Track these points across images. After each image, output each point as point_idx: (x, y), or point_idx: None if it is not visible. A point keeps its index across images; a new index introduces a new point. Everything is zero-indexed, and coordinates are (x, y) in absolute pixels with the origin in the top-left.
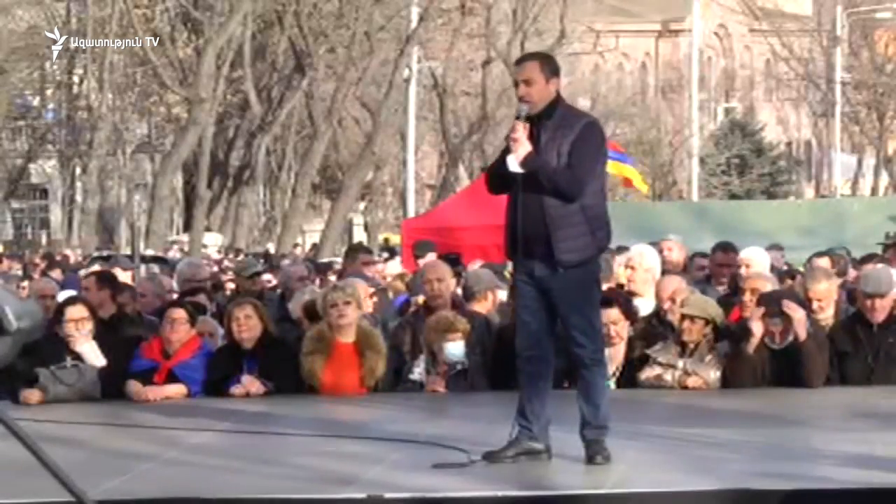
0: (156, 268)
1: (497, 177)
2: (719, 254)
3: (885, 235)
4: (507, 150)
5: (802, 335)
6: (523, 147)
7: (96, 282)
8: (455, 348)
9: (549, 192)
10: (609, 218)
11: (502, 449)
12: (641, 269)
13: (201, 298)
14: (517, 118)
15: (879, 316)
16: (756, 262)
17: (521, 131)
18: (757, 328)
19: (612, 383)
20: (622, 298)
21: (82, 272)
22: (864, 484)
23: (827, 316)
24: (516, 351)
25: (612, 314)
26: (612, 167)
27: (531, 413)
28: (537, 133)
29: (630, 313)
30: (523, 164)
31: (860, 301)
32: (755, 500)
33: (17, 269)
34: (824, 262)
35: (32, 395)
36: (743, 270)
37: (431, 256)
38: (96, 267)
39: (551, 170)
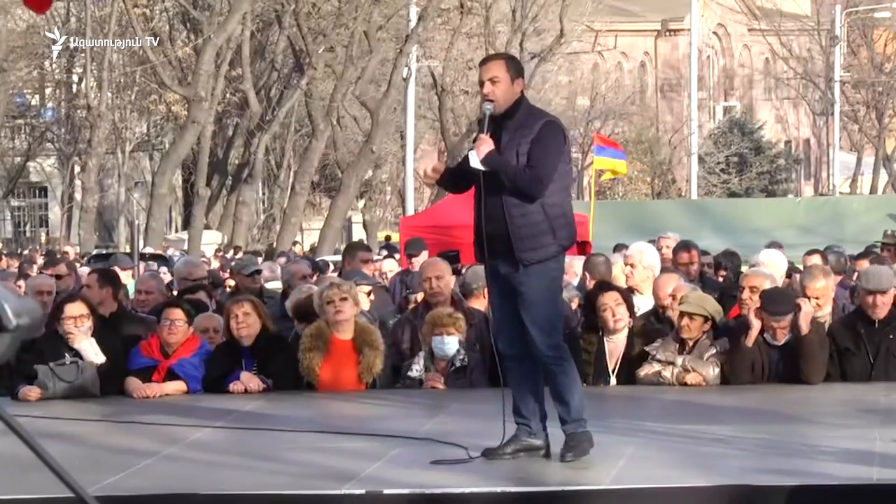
0: (156, 266)
1: (456, 175)
2: (682, 253)
3: (883, 234)
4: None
5: (805, 329)
6: (486, 145)
7: (98, 279)
8: (445, 343)
9: (510, 190)
10: (572, 217)
11: (501, 446)
12: (641, 267)
13: (201, 296)
14: (481, 116)
15: (881, 313)
16: (773, 266)
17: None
18: (755, 322)
19: (612, 379)
20: (620, 288)
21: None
22: (864, 480)
23: (825, 313)
24: (499, 352)
25: (613, 296)
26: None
27: (526, 410)
28: (499, 132)
29: (629, 304)
30: (484, 161)
31: (861, 298)
32: (754, 496)
33: (15, 268)
34: (816, 260)
35: (31, 391)
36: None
37: (425, 254)
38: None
39: (512, 168)
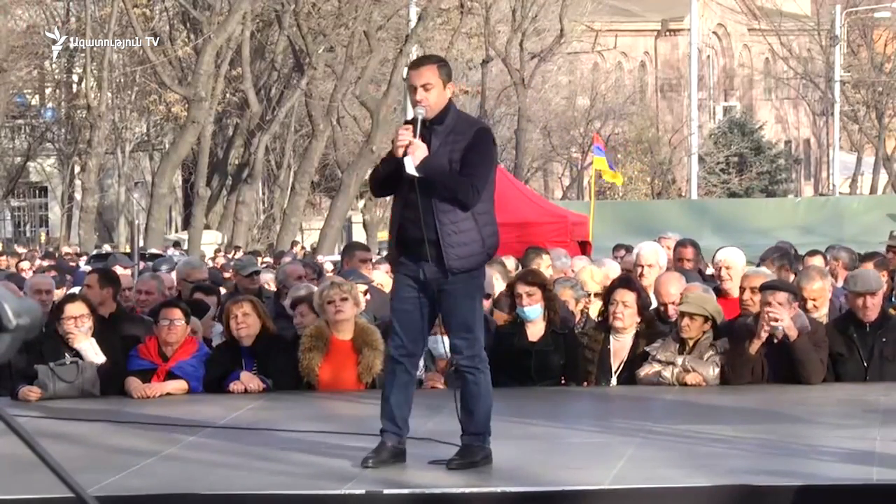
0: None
1: (383, 179)
2: (682, 249)
3: (890, 235)
4: (391, 153)
5: (793, 335)
6: (421, 150)
7: (98, 279)
8: (443, 343)
9: (444, 197)
10: (496, 225)
11: (375, 452)
12: (657, 267)
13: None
14: (411, 121)
15: (871, 314)
16: (734, 264)
17: (409, 133)
18: (763, 333)
19: (614, 379)
20: (641, 290)
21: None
22: (864, 480)
23: (821, 315)
24: (388, 353)
25: (628, 296)
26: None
27: (401, 420)
28: (429, 138)
29: (641, 307)
30: (420, 167)
31: (851, 301)
32: (754, 496)
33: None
34: (817, 261)
35: (31, 391)
36: (724, 273)
37: None
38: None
39: (448, 175)
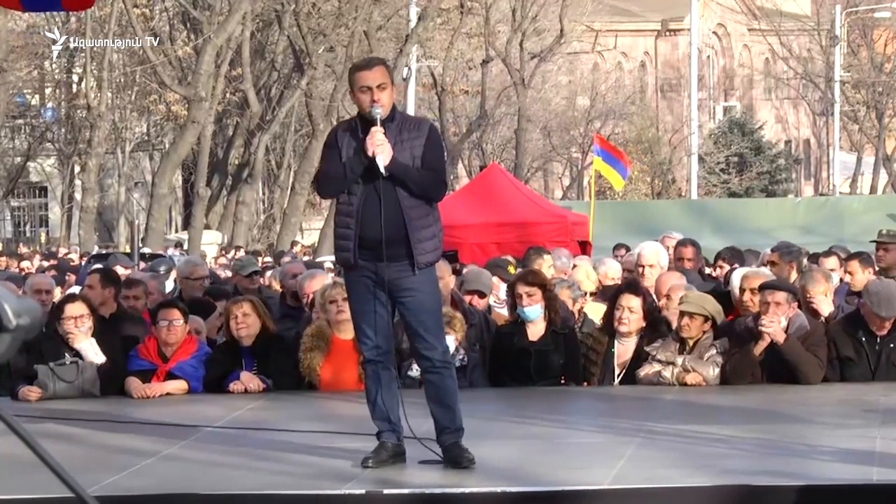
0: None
1: (345, 179)
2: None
3: (878, 233)
4: (337, 155)
5: (780, 340)
6: (389, 149)
7: (100, 280)
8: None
9: (412, 193)
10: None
11: (375, 452)
12: (659, 267)
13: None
14: (366, 122)
15: (885, 331)
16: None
17: (381, 134)
18: (766, 337)
19: (616, 383)
20: (646, 294)
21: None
22: (864, 480)
23: (823, 313)
24: (364, 356)
25: (634, 301)
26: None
27: (394, 416)
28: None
29: (647, 310)
30: (390, 166)
31: (868, 315)
32: (755, 496)
33: (15, 268)
34: (832, 263)
35: (31, 391)
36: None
37: None
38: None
39: (415, 171)
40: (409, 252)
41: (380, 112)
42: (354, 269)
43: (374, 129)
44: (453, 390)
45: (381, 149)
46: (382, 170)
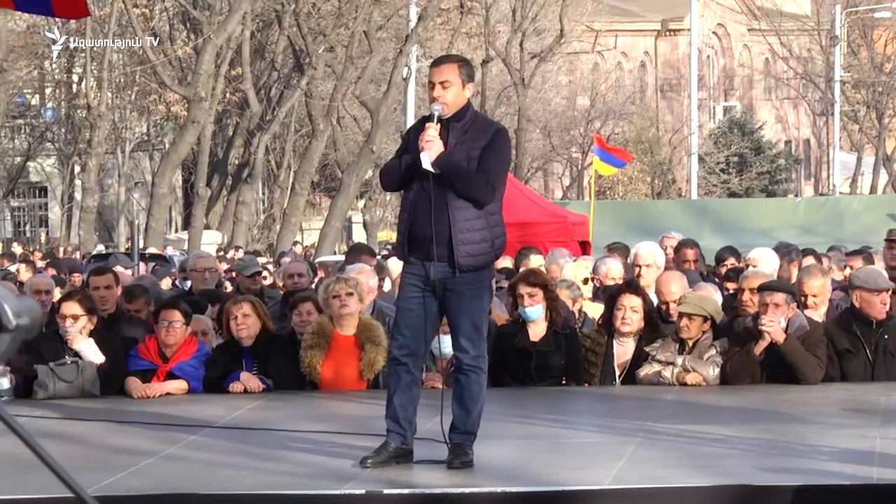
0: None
1: (398, 174)
2: (686, 250)
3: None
4: (403, 150)
5: (780, 339)
6: (437, 146)
7: (113, 279)
8: (444, 343)
9: (459, 194)
10: (505, 227)
11: (377, 452)
12: (655, 267)
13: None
14: (428, 118)
15: (881, 312)
16: (762, 263)
17: (434, 131)
18: (766, 336)
19: (617, 383)
20: (646, 296)
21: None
22: (864, 480)
23: (820, 313)
24: (391, 353)
25: (634, 301)
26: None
27: (405, 420)
28: (446, 135)
29: (647, 311)
30: (437, 163)
31: (860, 298)
32: (755, 496)
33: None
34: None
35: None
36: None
37: None
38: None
39: (465, 172)
40: (451, 253)
41: (438, 109)
42: (407, 263)
43: (428, 124)
44: (476, 394)
45: (429, 145)
46: (427, 166)
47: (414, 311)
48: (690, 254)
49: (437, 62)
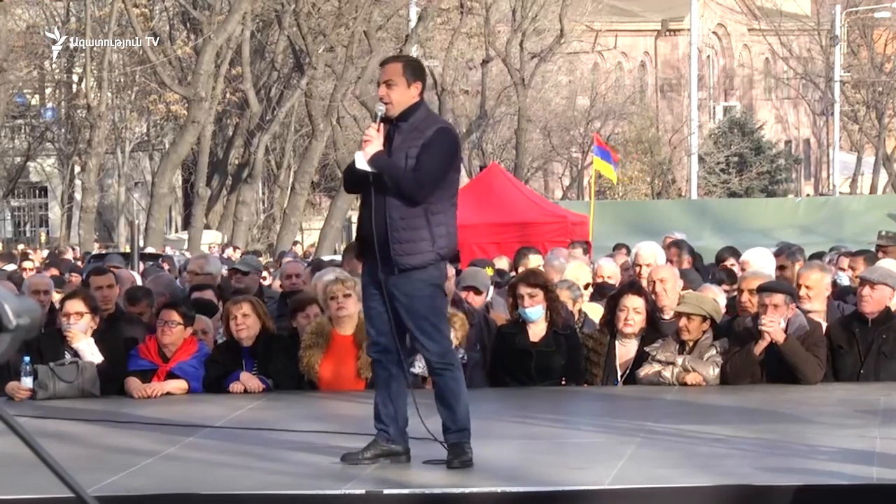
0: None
1: (350, 175)
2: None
3: (878, 234)
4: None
5: (779, 339)
6: (373, 146)
7: (109, 279)
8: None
9: (394, 193)
10: (454, 227)
11: (361, 451)
12: (645, 266)
13: (209, 294)
14: (374, 118)
15: (868, 307)
16: (756, 264)
17: (374, 130)
18: (766, 336)
19: (619, 383)
20: (647, 296)
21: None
22: (864, 480)
23: (815, 308)
24: (368, 354)
25: (637, 302)
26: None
27: (386, 416)
28: (392, 135)
29: (649, 311)
30: (371, 162)
31: (858, 291)
32: (755, 495)
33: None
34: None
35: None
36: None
37: None
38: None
39: (397, 170)
40: (388, 253)
41: (382, 109)
42: (363, 264)
43: (370, 124)
44: (454, 391)
45: (366, 144)
46: (362, 165)
47: (375, 309)
48: (674, 253)
49: (383, 62)
